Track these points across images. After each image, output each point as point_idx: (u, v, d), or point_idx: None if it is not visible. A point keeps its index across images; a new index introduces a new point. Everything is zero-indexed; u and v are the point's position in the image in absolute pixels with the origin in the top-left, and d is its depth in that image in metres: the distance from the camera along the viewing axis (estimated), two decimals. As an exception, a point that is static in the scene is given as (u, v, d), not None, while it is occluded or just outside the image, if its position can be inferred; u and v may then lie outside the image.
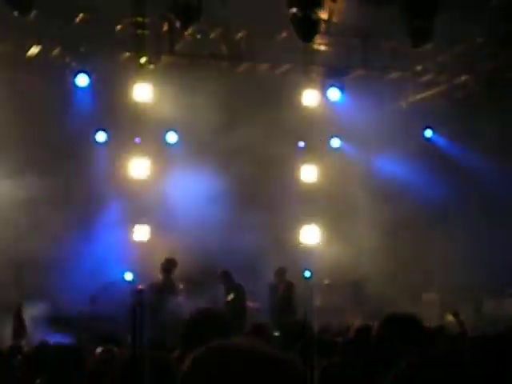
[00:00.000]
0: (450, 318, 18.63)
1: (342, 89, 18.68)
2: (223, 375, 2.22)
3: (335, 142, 20.92)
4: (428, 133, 20.97)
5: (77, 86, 17.33)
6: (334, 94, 18.62)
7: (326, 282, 19.23)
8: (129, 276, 16.81)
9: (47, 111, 17.16)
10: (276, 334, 9.99)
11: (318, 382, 4.21)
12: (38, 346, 8.92)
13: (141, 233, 17.70)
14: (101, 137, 19.05)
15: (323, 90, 18.82)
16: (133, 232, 17.55)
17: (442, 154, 20.73)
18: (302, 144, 20.35)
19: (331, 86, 18.61)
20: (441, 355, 3.82)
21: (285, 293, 17.03)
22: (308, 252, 19.42)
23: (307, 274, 19.05)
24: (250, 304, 17.79)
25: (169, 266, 16.43)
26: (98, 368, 5.00)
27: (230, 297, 16.59)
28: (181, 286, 16.68)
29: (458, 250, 18.36)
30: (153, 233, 17.59)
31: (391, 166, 19.69)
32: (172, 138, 19.65)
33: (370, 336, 5.02)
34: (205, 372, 2.24)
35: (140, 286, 16.85)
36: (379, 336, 4.79)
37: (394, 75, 19.52)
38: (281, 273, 17.37)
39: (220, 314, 4.76)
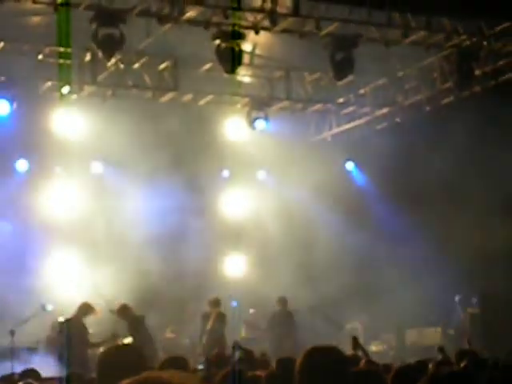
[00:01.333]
0: (374, 347, 18.88)
1: (266, 120, 18.79)
2: None
3: (261, 174, 20.95)
4: (349, 165, 21.19)
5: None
6: (260, 125, 18.72)
7: (251, 311, 19.19)
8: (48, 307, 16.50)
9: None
10: (200, 366, 9.93)
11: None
12: None
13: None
14: (22, 165, 18.70)
15: (248, 120, 18.91)
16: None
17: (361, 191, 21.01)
18: (226, 174, 20.42)
19: (256, 118, 18.69)
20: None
21: (216, 322, 16.95)
22: (234, 283, 19.45)
23: (234, 303, 19.08)
24: (170, 335, 17.71)
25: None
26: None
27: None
28: None
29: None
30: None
31: (313, 199, 19.79)
32: (97, 167, 19.39)
33: (293, 368, 5.00)
34: None
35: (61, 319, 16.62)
36: (302, 369, 4.77)
37: (317, 107, 19.75)
38: (214, 303, 17.28)
39: (130, 350, 4.67)
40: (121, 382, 2.26)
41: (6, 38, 15.82)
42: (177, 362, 6.74)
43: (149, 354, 14.00)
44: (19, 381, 8.43)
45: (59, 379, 8.74)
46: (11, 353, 14.56)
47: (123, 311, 16.07)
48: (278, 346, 16.93)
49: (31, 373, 9.14)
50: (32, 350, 15.57)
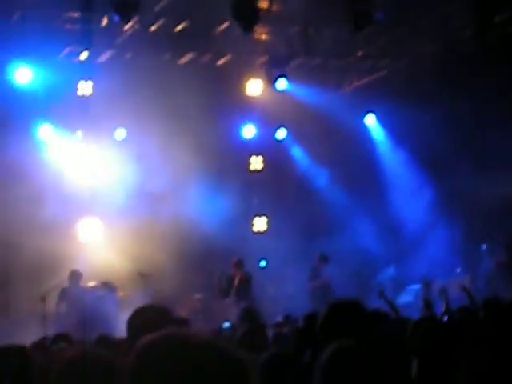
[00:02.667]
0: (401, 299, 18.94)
1: (285, 77, 18.69)
2: (170, 363, 2.21)
3: (281, 133, 20.89)
4: (369, 118, 21.06)
5: (19, 83, 17.03)
6: (281, 83, 18.62)
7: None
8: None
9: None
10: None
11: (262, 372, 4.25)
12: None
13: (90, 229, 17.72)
14: (46, 132, 18.77)
15: (268, 79, 18.83)
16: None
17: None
18: (250, 134, 20.39)
19: (278, 76, 18.57)
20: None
21: (242, 283, 17.06)
22: (261, 241, 19.54)
23: (262, 263, 19.18)
24: (196, 295, 17.84)
25: None
26: (47, 366, 4.95)
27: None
28: None
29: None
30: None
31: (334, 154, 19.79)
32: (120, 134, 19.40)
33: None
34: (151, 360, 2.24)
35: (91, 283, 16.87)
36: (324, 321, 4.83)
37: (337, 61, 19.61)
38: (238, 264, 17.37)
39: (159, 310, 4.75)
40: (142, 337, 2.30)
41: (24, 4, 15.83)
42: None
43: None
44: (51, 345, 8.58)
45: (89, 342, 8.88)
46: (43, 318, 14.84)
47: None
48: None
49: (63, 337, 9.27)
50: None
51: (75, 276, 16.20)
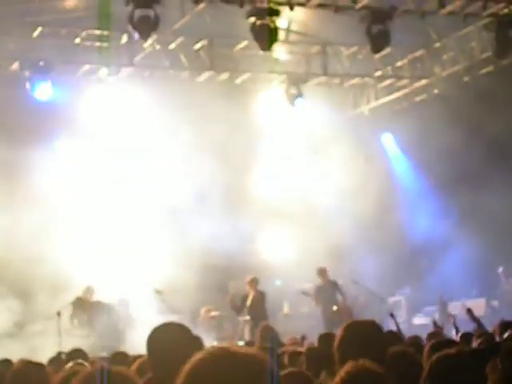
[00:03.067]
0: (417, 320, 18.88)
1: (302, 96, 18.72)
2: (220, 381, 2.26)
3: (296, 152, 20.90)
4: (386, 138, 21.06)
5: (39, 99, 17.11)
6: (300, 103, 18.65)
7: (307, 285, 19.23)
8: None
9: (8, 126, 16.94)
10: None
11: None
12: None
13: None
14: (63, 147, 18.91)
15: (287, 97, 18.86)
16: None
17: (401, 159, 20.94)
18: (266, 150, 20.40)
19: (297, 96, 18.58)
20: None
21: (256, 301, 17.00)
22: (275, 261, 19.49)
23: (278, 282, 19.12)
24: (212, 313, 17.81)
25: None
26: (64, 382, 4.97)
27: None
28: None
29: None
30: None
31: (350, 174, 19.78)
32: (139, 149, 19.51)
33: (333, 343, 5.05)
34: (203, 379, 2.28)
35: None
36: (340, 343, 4.82)
37: (355, 81, 19.67)
38: (252, 282, 17.31)
39: (181, 328, 4.77)
40: (193, 356, 2.33)
41: (43, 22, 15.98)
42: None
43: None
44: (68, 361, 8.56)
45: (106, 359, 8.87)
46: (59, 333, 14.87)
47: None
48: (330, 317, 16.82)
49: (78, 353, 9.26)
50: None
51: (90, 291, 16.31)
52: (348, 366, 3.85)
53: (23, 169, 17.11)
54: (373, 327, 4.92)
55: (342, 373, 3.92)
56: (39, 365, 6.65)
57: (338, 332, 4.90)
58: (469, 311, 11.38)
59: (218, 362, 2.28)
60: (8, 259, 15.86)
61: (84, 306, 16.15)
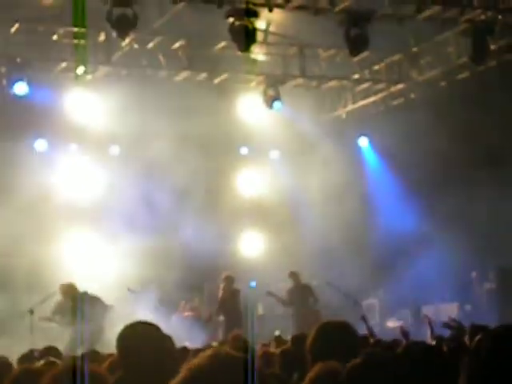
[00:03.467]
0: (390, 323, 18.95)
1: (279, 98, 18.73)
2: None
3: (274, 154, 21.01)
4: (363, 141, 21.10)
5: (15, 95, 17.00)
6: (278, 105, 18.66)
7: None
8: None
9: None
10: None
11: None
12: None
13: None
14: (41, 145, 18.85)
15: (263, 98, 18.87)
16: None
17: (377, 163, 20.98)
18: (245, 151, 20.43)
19: (274, 99, 18.58)
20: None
21: (229, 300, 17.01)
22: (251, 262, 19.51)
23: (253, 284, 19.12)
24: (186, 313, 17.78)
25: None
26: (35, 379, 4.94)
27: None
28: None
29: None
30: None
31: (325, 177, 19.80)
32: (114, 150, 19.53)
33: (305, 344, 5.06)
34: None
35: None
36: (313, 345, 4.83)
37: (332, 84, 19.72)
38: (226, 279, 17.33)
39: (151, 326, 4.75)
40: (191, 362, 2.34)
41: (20, 18, 15.88)
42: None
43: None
44: (40, 358, 8.51)
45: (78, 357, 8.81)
46: (30, 331, 14.79)
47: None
48: (300, 320, 16.85)
49: (51, 350, 9.19)
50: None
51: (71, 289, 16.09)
52: (317, 366, 3.87)
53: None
54: (345, 328, 4.94)
55: (311, 373, 3.93)
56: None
57: (310, 333, 4.92)
58: (426, 318, 11.42)
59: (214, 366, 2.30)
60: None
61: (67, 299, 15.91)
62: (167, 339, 4.89)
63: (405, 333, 10.16)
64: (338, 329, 4.95)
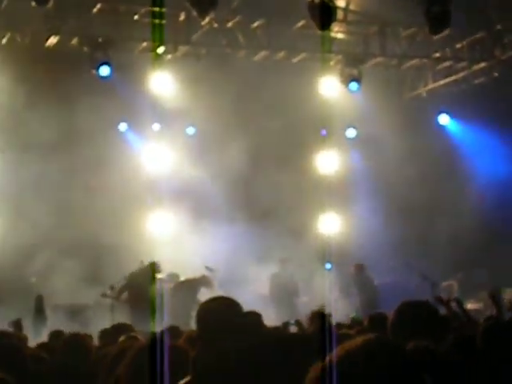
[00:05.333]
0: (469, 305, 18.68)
1: (359, 78, 18.56)
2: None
3: (351, 132, 20.82)
4: (443, 119, 20.77)
5: (99, 76, 17.21)
6: (354, 86, 18.51)
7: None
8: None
9: (69, 101, 17.11)
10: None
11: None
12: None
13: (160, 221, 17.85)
14: (122, 126, 19.20)
15: (341, 77, 18.72)
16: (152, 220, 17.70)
17: (459, 141, 20.64)
18: (324, 132, 20.29)
19: (351, 79, 18.41)
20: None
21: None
22: (327, 241, 19.42)
23: (328, 266, 19.02)
24: None
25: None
26: (119, 355, 5.05)
27: None
28: None
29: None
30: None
31: (410, 154, 19.57)
32: (191, 130, 19.72)
33: (385, 323, 5.02)
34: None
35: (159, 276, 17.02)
36: (394, 323, 4.79)
37: (413, 63, 19.45)
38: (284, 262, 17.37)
39: (230, 303, 4.79)
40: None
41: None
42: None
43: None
44: (117, 335, 8.63)
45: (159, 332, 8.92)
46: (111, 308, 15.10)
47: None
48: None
49: (125, 327, 9.31)
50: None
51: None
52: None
53: (85, 143, 17.38)
54: (426, 307, 4.90)
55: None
56: (87, 336, 6.81)
57: (391, 313, 4.88)
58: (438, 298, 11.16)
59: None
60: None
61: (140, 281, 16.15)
62: (247, 315, 4.93)
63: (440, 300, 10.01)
64: (417, 308, 4.91)
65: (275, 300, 16.97)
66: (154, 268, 15.90)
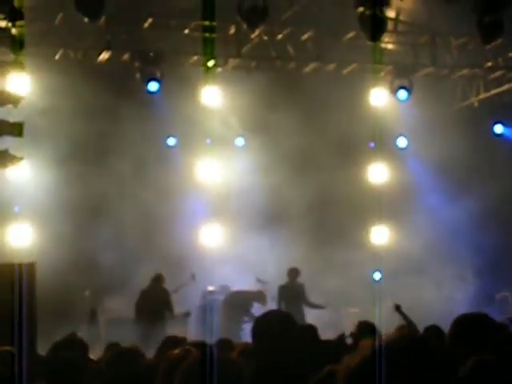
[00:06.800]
0: None
1: (410, 88, 18.45)
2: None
3: (402, 142, 20.67)
4: (498, 128, 20.55)
5: (148, 91, 17.38)
6: (402, 94, 18.42)
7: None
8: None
9: (119, 117, 17.28)
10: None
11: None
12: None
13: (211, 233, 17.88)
14: (171, 141, 19.34)
15: (391, 88, 18.63)
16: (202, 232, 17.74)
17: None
18: (372, 144, 20.19)
19: (399, 87, 18.32)
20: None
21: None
22: (378, 252, 19.28)
23: (377, 275, 18.87)
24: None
25: None
26: (172, 367, 5.07)
27: None
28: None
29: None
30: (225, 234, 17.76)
31: (461, 164, 19.38)
32: (240, 142, 19.77)
33: (441, 336, 4.98)
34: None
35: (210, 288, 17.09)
36: (452, 336, 4.74)
37: (464, 73, 19.27)
38: (293, 273, 16.94)
39: (284, 316, 4.80)
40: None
41: (153, 13, 16.24)
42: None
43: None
44: (171, 348, 8.64)
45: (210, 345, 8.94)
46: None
47: None
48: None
49: (178, 339, 9.31)
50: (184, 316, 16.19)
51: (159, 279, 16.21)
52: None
53: (133, 165, 17.51)
54: (484, 319, 4.83)
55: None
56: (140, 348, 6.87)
57: (450, 326, 4.83)
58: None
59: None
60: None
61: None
62: (303, 329, 4.92)
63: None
64: (476, 321, 4.85)
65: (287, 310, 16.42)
66: (159, 279, 15.99)
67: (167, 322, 15.54)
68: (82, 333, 13.33)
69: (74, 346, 7.71)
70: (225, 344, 8.60)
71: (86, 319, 16.36)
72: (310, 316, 16.14)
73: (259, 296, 16.79)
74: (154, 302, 15.65)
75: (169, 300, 15.92)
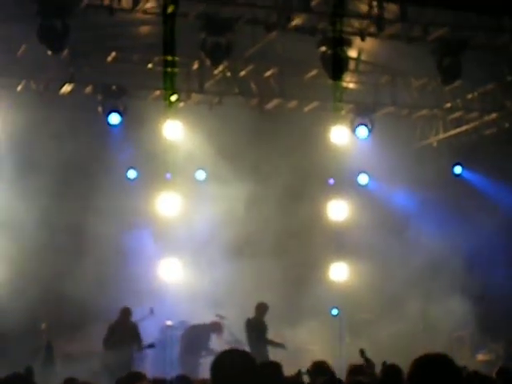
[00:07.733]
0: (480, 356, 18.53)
1: (370, 126, 18.66)
2: None
3: (363, 179, 20.84)
4: (458, 169, 20.82)
5: (109, 124, 17.37)
6: (362, 131, 18.63)
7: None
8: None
9: (80, 149, 17.21)
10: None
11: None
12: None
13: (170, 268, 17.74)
14: (131, 174, 19.26)
15: (352, 127, 18.82)
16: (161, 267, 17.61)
17: (473, 191, 20.63)
18: (331, 181, 20.31)
19: (360, 124, 18.56)
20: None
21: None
22: (336, 289, 19.32)
23: (335, 311, 18.91)
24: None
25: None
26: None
27: None
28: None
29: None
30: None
31: (419, 204, 19.60)
32: (201, 175, 19.76)
33: (399, 376, 4.99)
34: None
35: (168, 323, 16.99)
36: (412, 377, 4.74)
37: (424, 113, 19.54)
38: (261, 308, 16.61)
39: (244, 354, 4.77)
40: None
41: (117, 47, 16.28)
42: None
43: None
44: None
45: (169, 381, 8.90)
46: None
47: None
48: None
49: (140, 375, 9.26)
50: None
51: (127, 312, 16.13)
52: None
53: (93, 197, 17.40)
54: (445, 361, 4.84)
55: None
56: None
57: (410, 365, 4.83)
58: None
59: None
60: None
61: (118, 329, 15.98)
62: (259, 366, 4.90)
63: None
64: (437, 362, 4.86)
65: (252, 345, 16.19)
66: (126, 313, 15.93)
67: (133, 355, 15.55)
68: (37, 368, 13.21)
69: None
70: (183, 381, 8.56)
71: (41, 353, 16.13)
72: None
73: (215, 327, 16.80)
74: (125, 335, 15.59)
75: (138, 332, 15.90)
